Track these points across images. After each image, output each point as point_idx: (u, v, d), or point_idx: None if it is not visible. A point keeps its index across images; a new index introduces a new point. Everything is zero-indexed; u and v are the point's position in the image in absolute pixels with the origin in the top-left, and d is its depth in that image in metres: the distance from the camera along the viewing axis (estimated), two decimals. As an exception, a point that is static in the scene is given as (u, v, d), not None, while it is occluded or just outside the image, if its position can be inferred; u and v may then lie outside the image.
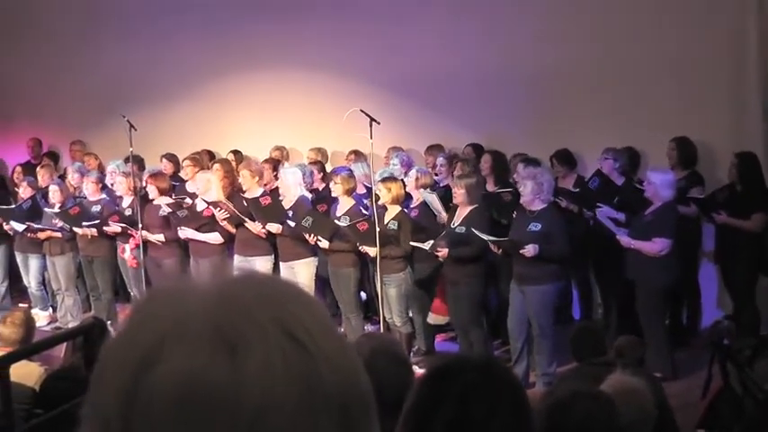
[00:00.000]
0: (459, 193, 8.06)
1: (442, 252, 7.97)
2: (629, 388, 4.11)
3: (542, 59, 9.94)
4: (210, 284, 0.88)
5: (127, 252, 9.64)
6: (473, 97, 10.42)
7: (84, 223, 9.73)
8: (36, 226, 10.05)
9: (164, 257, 9.48)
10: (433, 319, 8.70)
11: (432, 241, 7.98)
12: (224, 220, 9.07)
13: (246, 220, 8.93)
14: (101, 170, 11.03)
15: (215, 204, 9.07)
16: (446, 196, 8.55)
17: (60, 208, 9.92)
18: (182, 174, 10.64)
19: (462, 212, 8.09)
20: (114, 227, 9.62)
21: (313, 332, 0.85)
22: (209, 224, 9.20)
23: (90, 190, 10.19)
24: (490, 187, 9.11)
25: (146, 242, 9.49)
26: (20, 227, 10.11)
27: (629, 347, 5.55)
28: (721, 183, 8.78)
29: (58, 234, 10.07)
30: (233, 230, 9.15)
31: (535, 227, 7.62)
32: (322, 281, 8.94)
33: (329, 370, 0.84)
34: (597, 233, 8.44)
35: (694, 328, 8.92)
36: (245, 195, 9.12)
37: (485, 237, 7.66)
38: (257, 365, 0.82)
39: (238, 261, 8.96)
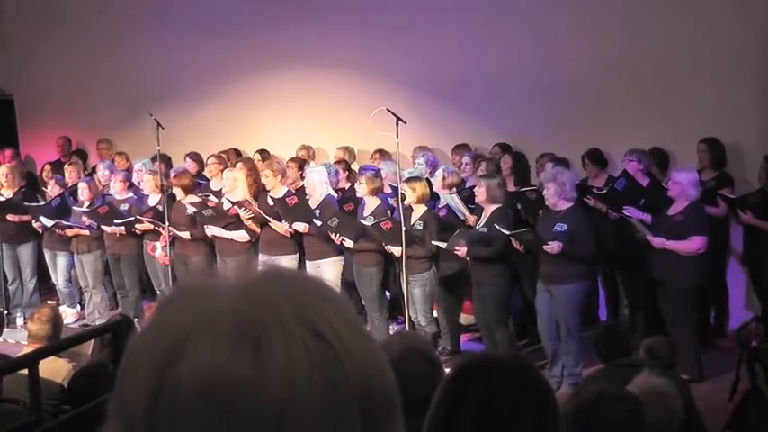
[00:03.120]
0: (480, 192, 8.07)
1: (461, 251, 7.99)
2: (655, 389, 4.09)
3: (572, 59, 9.90)
4: (235, 280, 0.89)
5: (158, 250, 9.68)
6: (501, 97, 10.39)
7: (115, 221, 9.78)
8: (65, 223, 10.11)
9: (191, 255, 9.51)
10: (464, 318, 8.69)
11: (449, 241, 8.01)
12: (248, 219, 9.11)
13: (271, 219, 8.96)
14: (129, 170, 11.07)
15: (239, 204, 9.11)
16: (471, 197, 8.53)
17: (89, 206, 9.98)
18: (206, 172, 10.68)
19: (486, 213, 8.10)
20: (146, 223, 9.66)
21: (337, 328, 0.85)
22: (235, 222, 9.24)
23: (117, 188, 10.25)
24: (511, 187, 9.11)
25: (173, 240, 9.55)
26: (48, 222, 10.17)
27: (662, 348, 5.49)
28: (750, 185, 8.73)
29: (86, 232, 10.12)
30: (257, 230, 9.18)
31: (561, 227, 7.61)
32: (347, 283, 8.95)
33: (353, 366, 0.84)
34: (620, 233, 8.40)
35: (722, 329, 8.86)
36: (271, 195, 9.14)
37: (505, 231, 7.67)
38: (281, 360, 0.82)
39: (263, 260, 8.97)
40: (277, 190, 9.21)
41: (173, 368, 0.83)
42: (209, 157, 10.49)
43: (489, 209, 8.07)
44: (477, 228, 8.08)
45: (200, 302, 0.86)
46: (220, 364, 0.82)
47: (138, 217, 9.69)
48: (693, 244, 7.69)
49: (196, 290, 0.89)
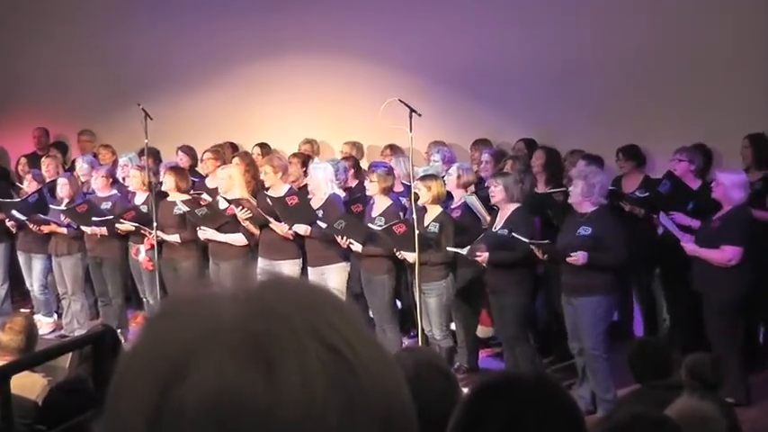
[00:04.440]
0: (495, 191, 8.07)
1: (482, 257, 7.97)
2: (698, 414, 4.06)
3: (603, 48, 9.91)
4: (238, 291, 0.88)
5: (141, 253, 9.67)
6: (525, 88, 10.39)
7: (94, 219, 9.76)
8: (42, 217, 10.06)
9: (180, 260, 9.53)
10: (482, 331, 8.70)
11: (469, 246, 8.00)
12: (246, 220, 9.12)
13: (271, 220, 8.97)
14: (115, 165, 11.08)
15: (237, 203, 9.12)
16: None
17: (67, 204, 9.98)
18: (200, 168, 10.69)
19: (504, 213, 8.09)
20: (127, 225, 9.65)
21: (351, 341, 0.86)
22: (231, 223, 9.25)
23: (99, 185, 10.22)
24: (542, 188, 9.11)
25: (160, 243, 9.55)
26: (21, 216, 10.13)
27: (705, 368, 5.45)
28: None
29: (64, 230, 10.10)
30: (256, 232, 9.20)
31: (585, 231, 7.61)
32: (353, 293, 8.96)
33: (370, 381, 0.85)
34: (665, 240, 8.32)
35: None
36: (270, 193, 9.16)
37: (526, 240, 7.64)
38: (295, 378, 0.82)
39: (263, 265, 9.00)
40: (277, 188, 9.22)
41: (175, 389, 0.82)
42: (204, 152, 10.50)
43: (507, 209, 8.07)
44: (493, 230, 8.08)
45: (201, 314, 0.86)
46: (229, 383, 0.82)
47: (116, 217, 9.69)
48: (725, 254, 7.62)
49: (193, 300, 0.89)
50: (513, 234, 7.72)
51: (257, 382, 0.82)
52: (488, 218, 8.45)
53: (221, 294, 0.88)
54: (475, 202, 8.60)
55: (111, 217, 9.72)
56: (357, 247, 8.56)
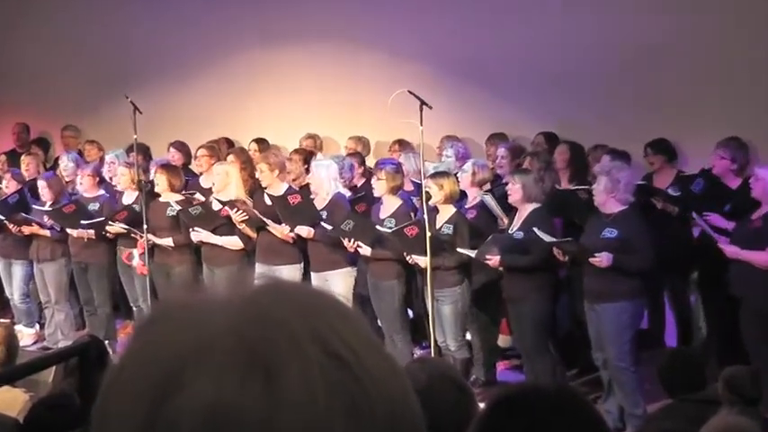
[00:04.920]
0: (513, 190, 8.08)
1: (493, 260, 7.98)
2: (735, 430, 4.05)
3: (632, 34, 9.90)
4: (233, 295, 0.90)
5: (135, 258, 9.68)
6: (545, 77, 10.38)
7: (82, 222, 9.75)
8: (23, 216, 10.04)
9: (174, 265, 9.56)
10: (503, 341, 8.70)
11: (479, 248, 8.03)
12: (242, 222, 9.14)
13: (269, 222, 8.99)
14: (101, 162, 11.06)
15: (231, 204, 9.13)
16: (507, 195, 8.46)
17: (52, 205, 9.97)
18: (194, 165, 10.71)
19: (522, 214, 8.10)
20: (118, 227, 9.65)
21: (356, 348, 0.87)
22: (226, 225, 9.27)
23: (86, 185, 10.21)
24: (564, 185, 9.09)
25: (153, 247, 9.56)
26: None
27: (744, 381, 5.42)
28: None
29: (47, 232, 10.10)
30: (253, 235, 9.23)
31: (610, 233, 7.60)
32: (360, 298, 8.96)
33: (376, 391, 0.86)
34: (703, 241, 8.26)
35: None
36: (269, 192, 9.19)
37: (546, 237, 7.66)
38: (296, 389, 0.83)
39: (261, 270, 8.99)
40: (275, 187, 9.23)
41: (169, 403, 0.83)
42: (198, 149, 10.49)
43: (525, 209, 8.07)
44: (510, 231, 8.09)
45: (194, 322, 0.87)
46: (227, 395, 0.82)
47: (106, 219, 9.68)
48: (768, 256, 7.59)
49: (186, 306, 0.91)
50: (535, 230, 7.71)
51: (255, 391, 0.82)
52: (505, 219, 8.46)
53: (215, 299, 0.90)
54: (491, 201, 8.60)
55: (102, 219, 9.73)
56: (366, 249, 8.57)
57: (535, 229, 7.73)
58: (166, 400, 0.83)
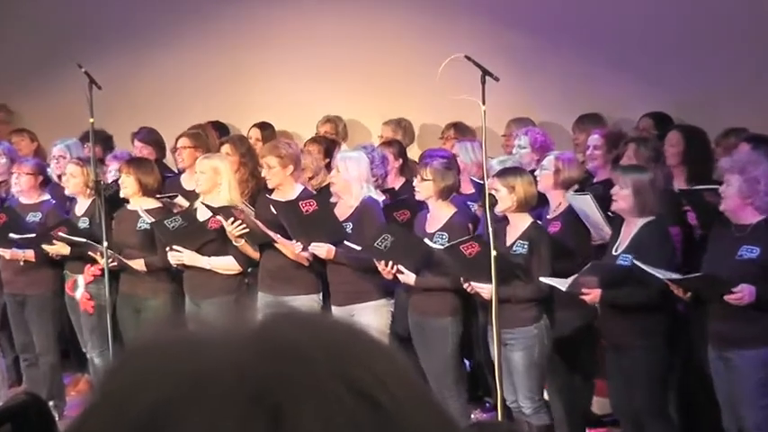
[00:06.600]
0: (621, 196, 8.03)
1: (592, 294, 7.97)
2: None
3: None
4: (234, 326, 0.98)
5: (79, 288, 9.68)
6: (654, 41, 10.46)
7: (12, 236, 9.72)
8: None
9: (145, 296, 9.55)
10: (599, 405, 8.77)
11: (573, 277, 7.98)
12: (239, 237, 9.08)
13: (277, 237, 9.00)
14: (41, 156, 11.12)
15: (225, 212, 9.06)
16: (606, 198, 8.47)
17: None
18: (171, 160, 10.78)
19: (630, 229, 8.06)
20: (60, 246, 9.59)
21: (395, 392, 0.93)
22: (217, 242, 9.25)
23: (23, 186, 10.17)
24: (680, 184, 9.10)
25: (114, 272, 9.47)
26: None
27: None
28: None
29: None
30: (254, 255, 9.24)
31: (749, 252, 7.57)
32: (398, 340, 8.97)
33: None
34: None
35: None
36: (274, 197, 9.19)
37: (658, 273, 7.59)
38: (312, 430, 0.89)
39: (265, 302, 8.97)
40: (285, 189, 9.21)
41: None
42: (178, 137, 10.52)
43: (635, 223, 8.02)
44: (613, 252, 8.04)
45: (185, 355, 0.94)
46: None
47: (48, 235, 9.64)
48: None
49: (174, 339, 0.97)
50: (635, 262, 7.68)
51: None
52: (607, 229, 8.37)
53: (211, 331, 0.97)
54: (586, 203, 8.53)
55: (37, 236, 9.71)
56: (408, 276, 8.54)
57: (637, 262, 7.69)
58: None
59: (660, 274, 7.59)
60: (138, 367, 0.94)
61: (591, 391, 8.96)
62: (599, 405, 9.01)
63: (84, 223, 9.77)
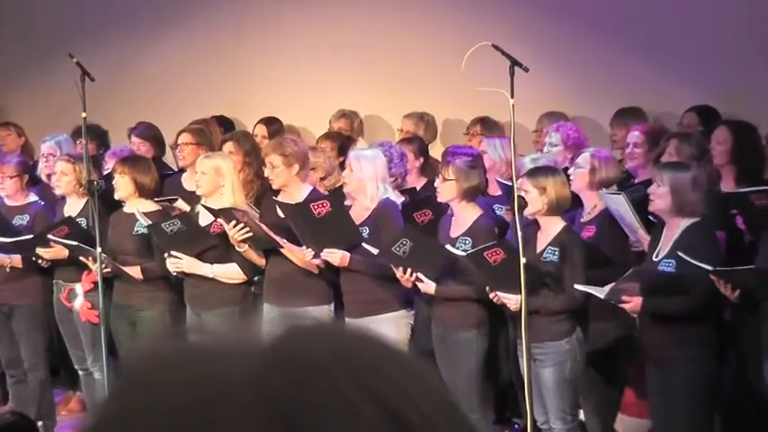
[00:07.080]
0: (658, 194, 8.07)
1: (633, 302, 7.94)
2: None
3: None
4: (249, 339, 1.00)
5: (78, 297, 9.68)
6: (705, 25, 10.46)
7: (0, 241, 9.78)
8: None
9: (142, 306, 9.55)
10: (623, 425, 8.66)
11: (612, 285, 7.99)
12: (242, 242, 9.10)
13: (284, 242, 9.03)
14: (29, 152, 11.18)
15: (227, 214, 9.05)
16: (645, 201, 8.46)
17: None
18: (171, 158, 10.83)
19: (672, 232, 8.06)
20: (59, 248, 9.59)
21: (421, 406, 0.96)
22: (220, 248, 9.28)
23: (9, 188, 10.18)
24: (728, 185, 9.10)
25: (108, 279, 9.48)
26: None
27: None
28: None
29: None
30: (260, 261, 9.29)
31: (804, 259, 7.57)
32: (418, 355, 8.81)
33: None
34: None
35: None
36: (281, 199, 9.23)
37: (704, 266, 7.62)
38: None
39: (272, 314, 8.99)
40: (292, 190, 9.23)
41: None
42: (180, 133, 10.57)
43: (677, 225, 8.02)
44: (654, 258, 8.03)
45: (201, 371, 0.95)
46: None
47: (38, 236, 9.66)
48: None
49: (178, 356, 0.99)
50: (680, 253, 7.70)
51: None
52: (643, 233, 8.34)
53: (223, 345, 0.99)
54: (622, 203, 8.51)
55: (31, 236, 9.75)
56: (429, 285, 8.54)
57: (680, 253, 7.70)
58: None
59: (704, 265, 7.57)
60: (153, 384, 0.96)
61: (616, 407, 8.95)
62: (622, 423, 8.94)
63: (82, 221, 9.73)
